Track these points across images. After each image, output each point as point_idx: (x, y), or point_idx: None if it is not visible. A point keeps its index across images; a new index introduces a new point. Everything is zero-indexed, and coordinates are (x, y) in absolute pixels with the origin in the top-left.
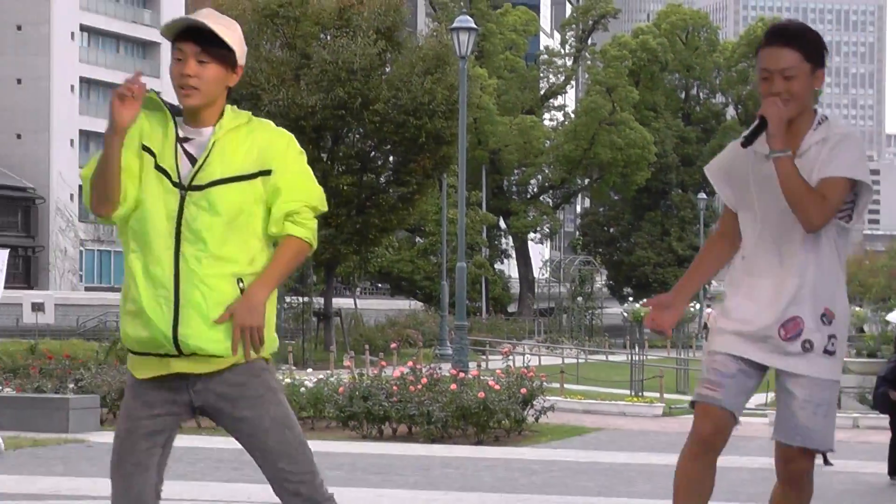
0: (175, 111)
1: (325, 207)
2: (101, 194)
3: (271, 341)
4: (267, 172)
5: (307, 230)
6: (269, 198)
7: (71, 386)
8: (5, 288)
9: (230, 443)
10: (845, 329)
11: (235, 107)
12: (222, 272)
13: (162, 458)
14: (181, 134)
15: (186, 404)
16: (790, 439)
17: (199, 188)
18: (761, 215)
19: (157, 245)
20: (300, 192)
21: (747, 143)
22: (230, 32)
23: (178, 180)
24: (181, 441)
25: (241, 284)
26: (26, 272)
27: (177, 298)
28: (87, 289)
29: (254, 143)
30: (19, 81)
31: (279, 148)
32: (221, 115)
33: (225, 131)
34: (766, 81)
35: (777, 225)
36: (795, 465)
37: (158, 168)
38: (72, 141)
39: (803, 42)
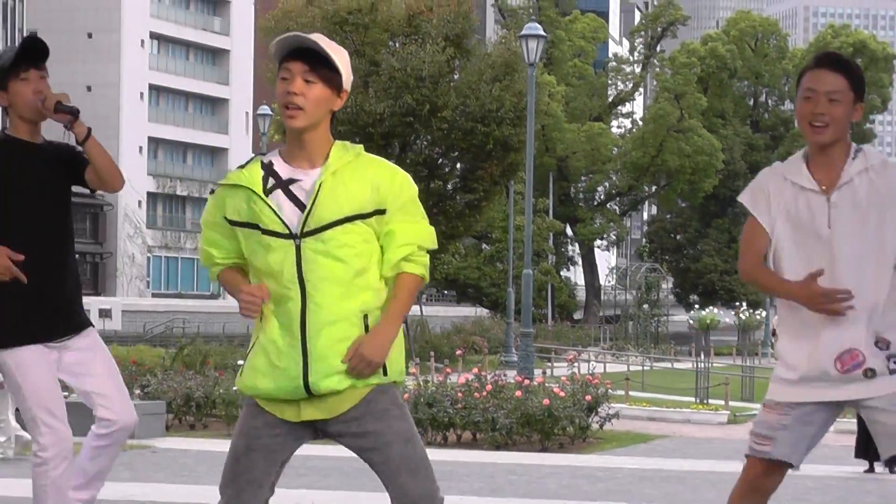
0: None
1: (435, 245)
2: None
3: (400, 368)
4: (382, 212)
5: (422, 267)
6: (381, 237)
7: (137, 392)
8: None
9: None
10: None
11: (347, 143)
12: (347, 314)
13: (278, 474)
14: (284, 175)
15: (310, 427)
16: None
17: (313, 233)
18: (811, 251)
19: (283, 297)
20: (414, 236)
21: None
22: (338, 56)
23: (287, 231)
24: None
25: (366, 320)
26: (94, 279)
27: (304, 346)
28: (154, 295)
29: (365, 180)
30: (89, 89)
31: (394, 188)
32: (328, 151)
33: (332, 172)
34: (809, 101)
35: (828, 257)
36: None
37: (263, 231)
38: (140, 148)
39: (851, 71)
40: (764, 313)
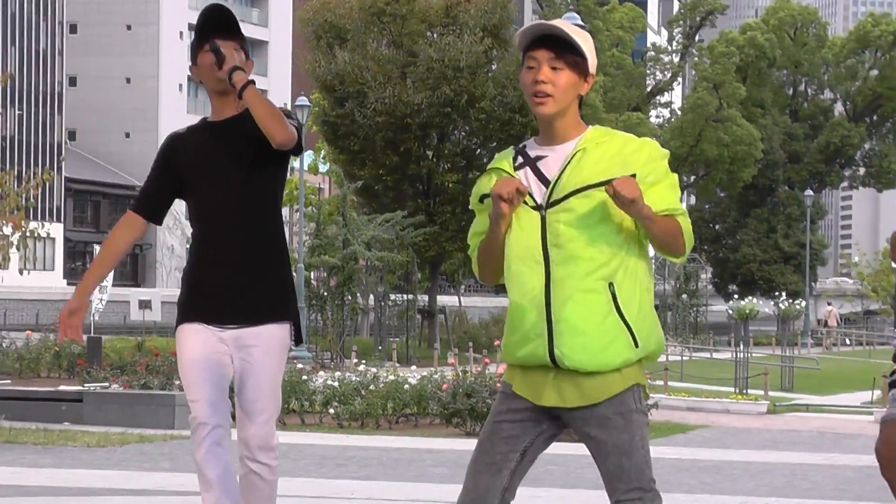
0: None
1: (687, 221)
2: (491, 270)
3: (650, 342)
4: (632, 176)
5: (686, 225)
6: None
7: (177, 382)
8: (113, 286)
9: (334, 440)
10: None
11: (607, 128)
12: (592, 282)
13: (520, 465)
14: (533, 154)
15: (553, 419)
16: None
17: (557, 203)
18: None
19: (528, 272)
20: (667, 203)
21: None
22: (584, 40)
23: (533, 203)
24: (286, 438)
25: (612, 289)
26: (134, 270)
27: (549, 318)
28: None
29: (611, 151)
30: (128, 81)
31: (641, 157)
32: (581, 129)
33: (582, 147)
34: None
35: None
36: None
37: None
38: None
39: None
40: (804, 303)
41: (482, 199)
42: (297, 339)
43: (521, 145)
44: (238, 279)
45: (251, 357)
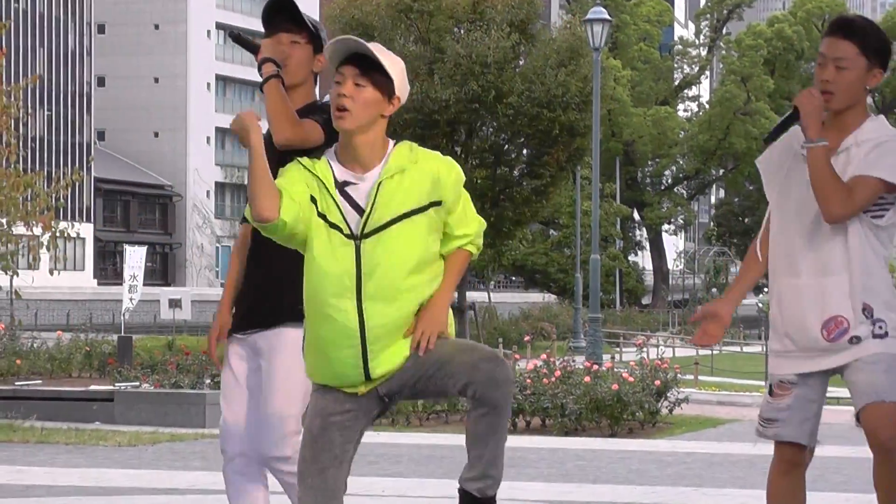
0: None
1: (483, 228)
2: (262, 196)
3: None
4: (438, 203)
5: (476, 247)
6: (441, 225)
7: (208, 381)
8: (143, 285)
9: (365, 437)
10: (893, 314)
11: (411, 144)
12: (407, 308)
13: (351, 458)
14: (340, 178)
15: (376, 398)
16: (869, 398)
17: (372, 234)
18: (795, 214)
19: (337, 299)
20: (468, 227)
21: (771, 138)
22: (391, 62)
23: (349, 231)
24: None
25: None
26: (164, 269)
27: (364, 341)
28: (223, 285)
29: (423, 175)
30: (157, 80)
31: (450, 182)
32: (383, 154)
33: (390, 175)
34: (821, 67)
35: (810, 225)
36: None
37: (322, 217)
38: (208, 138)
39: (863, 37)
40: None
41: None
42: None
43: (325, 159)
44: (265, 284)
45: (264, 360)
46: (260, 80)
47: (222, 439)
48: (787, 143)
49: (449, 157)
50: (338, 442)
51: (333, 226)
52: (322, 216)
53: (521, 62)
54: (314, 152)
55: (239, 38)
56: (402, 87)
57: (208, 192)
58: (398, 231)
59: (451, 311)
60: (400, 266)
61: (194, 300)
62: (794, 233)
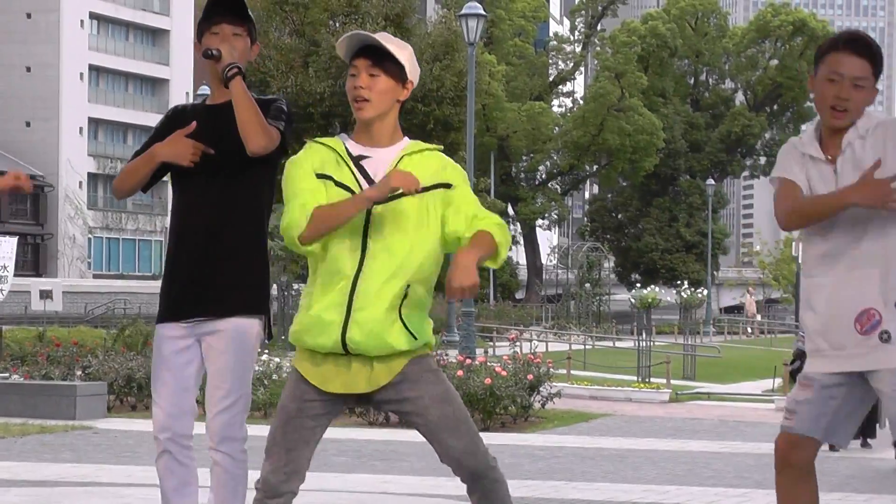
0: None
1: (503, 231)
2: (315, 236)
3: (429, 334)
4: (448, 185)
5: (499, 232)
6: (444, 211)
7: (78, 373)
8: (14, 276)
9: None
10: None
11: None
12: (398, 281)
13: (318, 442)
14: (354, 153)
15: (352, 395)
16: None
17: (385, 200)
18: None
19: (341, 253)
20: (487, 215)
21: None
22: (400, 49)
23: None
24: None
25: (407, 290)
26: (35, 260)
27: (350, 304)
28: (95, 276)
29: (433, 163)
30: (28, 69)
31: (458, 174)
32: (398, 137)
33: (408, 153)
34: (834, 85)
35: (847, 221)
36: None
37: (340, 185)
38: (81, 129)
39: (875, 56)
40: (705, 292)
41: (319, 175)
42: (269, 335)
43: (338, 137)
44: (207, 270)
45: (215, 345)
46: (129, 70)
47: (157, 429)
48: (797, 154)
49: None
50: (309, 426)
51: (345, 188)
52: (341, 185)
53: None
54: (274, 154)
55: (206, 54)
56: (413, 72)
57: (81, 183)
58: (408, 203)
59: (426, 302)
60: (402, 238)
61: (66, 291)
62: (829, 230)
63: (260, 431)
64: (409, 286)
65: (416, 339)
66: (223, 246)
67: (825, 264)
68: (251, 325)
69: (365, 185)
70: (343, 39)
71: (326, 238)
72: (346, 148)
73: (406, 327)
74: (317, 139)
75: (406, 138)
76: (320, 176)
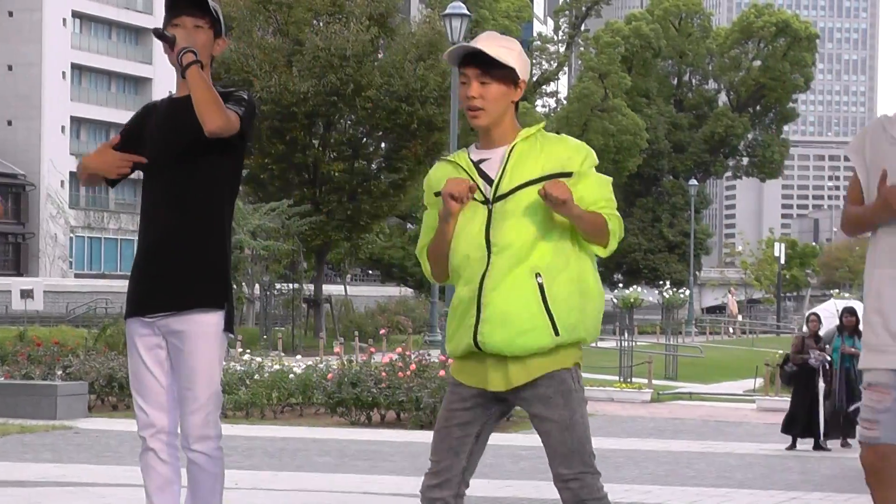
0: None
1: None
2: (441, 268)
3: (582, 332)
4: (568, 174)
5: (613, 220)
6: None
7: (59, 373)
8: None
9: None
10: None
11: (530, 127)
12: (523, 270)
13: (476, 446)
14: (475, 158)
15: (498, 400)
16: None
17: (502, 197)
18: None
19: (474, 264)
20: (604, 197)
21: None
22: (508, 51)
23: (482, 197)
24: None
25: (539, 279)
26: (16, 259)
27: (479, 302)
28: (76, 276)
29: (550, 152)
30: (10, 68)
31: (578, 158)
32: (517, 133)
33: (517, 143)
34: None
35: None
36: None
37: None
38: (63, 127)
39: None
40: (688, 292)
41: (437, 193)
42: (229, 328)
43: (464, 149)
44: (166, 264)
45: (181, 343)
46: (112, 69)
47: (140, 427)
48: (878, 127)
49: (579, 141)
50: (456, 435)
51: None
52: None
53: (380, 56)
54: (234, 141)
55: (158, 32)
56: (523, 70)
57: (63, 182)
58: (523, 197)
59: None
60: (518, 229)
61: (47, 291)
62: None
63: (242, 432)
64: (538, 275)
65: (557, 335)
66: (181, 239)
67: (893, 258)
68: (211, 320)
69: (485, 187)
70: (449, 52)
71: (457, 236)
72: (468, 156)
73: (552, 322)
74: (442, 157)
75: (521, 129)
76: (437, 194)
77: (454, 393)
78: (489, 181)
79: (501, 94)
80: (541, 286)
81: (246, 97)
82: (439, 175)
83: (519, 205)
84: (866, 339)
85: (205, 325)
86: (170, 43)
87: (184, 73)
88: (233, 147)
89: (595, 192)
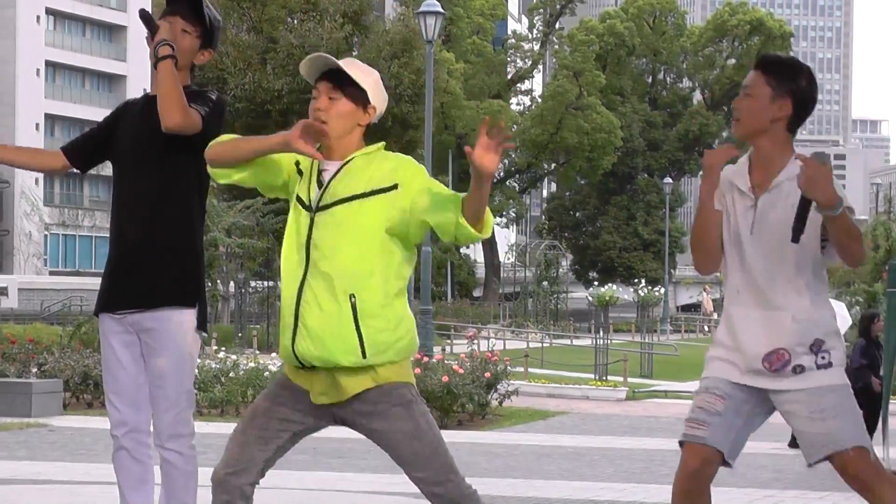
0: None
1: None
2: (224, 161)
3: (393, 351)
4: (393, 187)
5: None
6: (400, 214)
7: (34, 370)
8: None
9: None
10: (839, 339)
11: (370, 147)
12: (338, 288)
13: (286, 443)
14: (320, 167)
15: (327, 413)
16: (820, 453)
17: (325, 208)
18: (749, 253)
19: (290, 266)
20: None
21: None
22: (365, 75)
23: (308, 203)
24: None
25: (353, 300)
26: None
27: (297, 313)
28: (51, 273)
29: (380, 166)
30: None
31: (408, 172)
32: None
33: (355, 157)
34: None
35: (763, 263)
36: (852, 469)
37: (298, 198)
38: (37, 125)
39: (770, 68)
40: (663, 290)
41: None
42: (201, 326)
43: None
44: (135, 261)
45: (153, 341)
46: (86, 66)
47: (113, 426)
48: (725, 179)
49: (409, 157)
50: (273, 427)
51: (298, 199)
52: (298, 198)
53: (354, 53)
54: (196, 140)
55: (145, 15)
56: (376, 97)
57: (37, 180)
58: (345, 210)
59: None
60: (346, 244)
61: (21, 288)
62: (746, 270)
63: (216, 429)
64: (352, 297)
65: (364, 356)
66: (150, 236)
67: (743, 298)
68: (182, 318)
69: (315, 191)
70: (306, 61)
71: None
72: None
73: (360, 340)
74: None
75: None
76: (299, 173)
77: (288, 388)
78: (321, 186)
79: (349, 112)
80: (353, 308)
81: (214, 98)
82: (305, 161)
83: (341, 216)
84: (714, 353)
85: (175, 323)
86: (152, 30)
87: (156, 64)
88: (195, 146)
89: (426, 197)
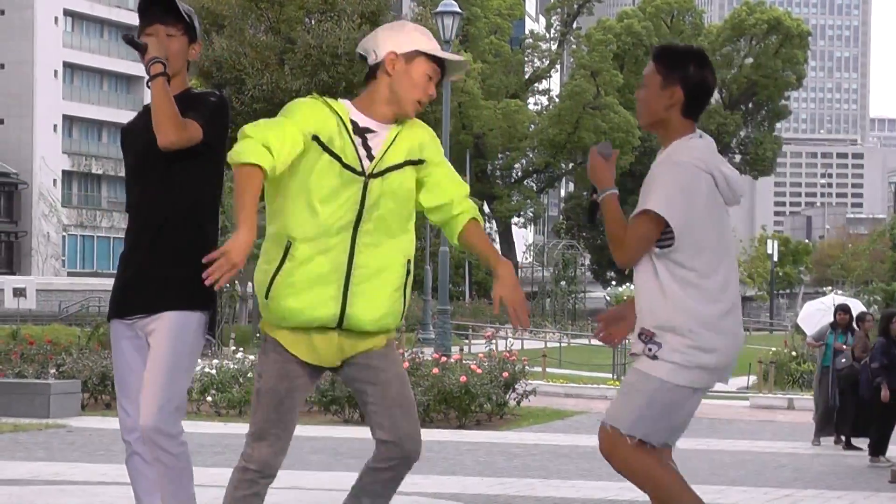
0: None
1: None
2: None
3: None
4: (420, 162)
5: (475, 212)
6: (419, 185)
7: (52, 371)
8: None
9: (212, 428)
10: (677, 337)
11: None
12: (399, 252)
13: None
14: (364, 131)
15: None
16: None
17: (379, 174)
18: None
19: (327, 229)
20: (462, 200)
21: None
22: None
23: (361, 169)
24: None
25: (409, 266)
26: (9, 258)
27: (347, 280)
28: (69, 274)
29: (412, 135)
30: (2, 66)
31: (435, 155)
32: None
33: (403, 126)
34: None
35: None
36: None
37: (337, 159)
38: (55, 126)
39: (659, 58)
40: None
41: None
42: (210, 331)
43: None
44: (145, 266)
45: (151, 342)
46: (104, 68)
47: (124, 431)
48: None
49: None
50: (298, 400)
51: (347, 166)
52: (337, 157)
53: None
54: (199, 149)
55: (128, 38)
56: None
57: (55, 181)
58: (400, 176)
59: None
60: (401, 209)
61: (39, 289)
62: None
63: (236, 430)
64: (409, 261)
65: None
66: (160, 242)
67: None
68: (189, 320)
69: (364, 159)
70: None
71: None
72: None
73: (404, 304)
74: (319, 98)
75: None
76: (324, 147)
77: (290, 361)
78: (369, 151)
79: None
80: (408, 272)
81: (214, 100)
82: (325, 125)
83: (394, 184)
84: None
85: (177, 324)
86: (141, 51)
87: (149, 82)
88: (199, 154)
89: (436, 187)
